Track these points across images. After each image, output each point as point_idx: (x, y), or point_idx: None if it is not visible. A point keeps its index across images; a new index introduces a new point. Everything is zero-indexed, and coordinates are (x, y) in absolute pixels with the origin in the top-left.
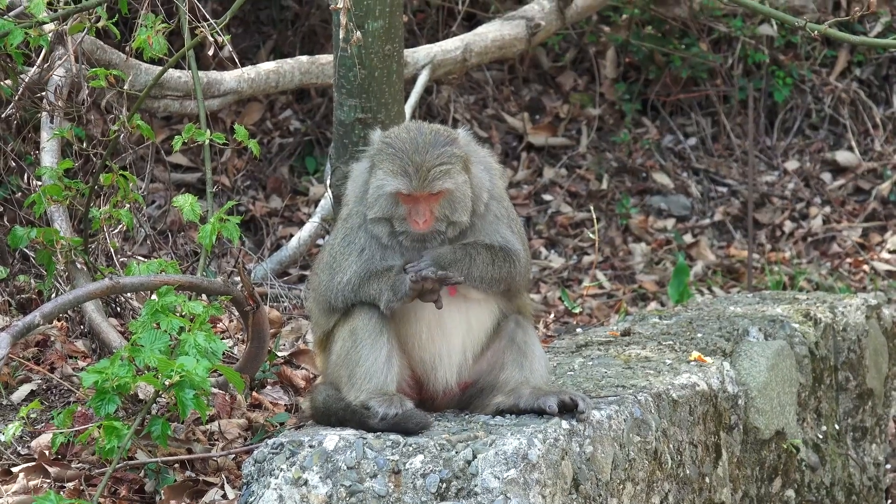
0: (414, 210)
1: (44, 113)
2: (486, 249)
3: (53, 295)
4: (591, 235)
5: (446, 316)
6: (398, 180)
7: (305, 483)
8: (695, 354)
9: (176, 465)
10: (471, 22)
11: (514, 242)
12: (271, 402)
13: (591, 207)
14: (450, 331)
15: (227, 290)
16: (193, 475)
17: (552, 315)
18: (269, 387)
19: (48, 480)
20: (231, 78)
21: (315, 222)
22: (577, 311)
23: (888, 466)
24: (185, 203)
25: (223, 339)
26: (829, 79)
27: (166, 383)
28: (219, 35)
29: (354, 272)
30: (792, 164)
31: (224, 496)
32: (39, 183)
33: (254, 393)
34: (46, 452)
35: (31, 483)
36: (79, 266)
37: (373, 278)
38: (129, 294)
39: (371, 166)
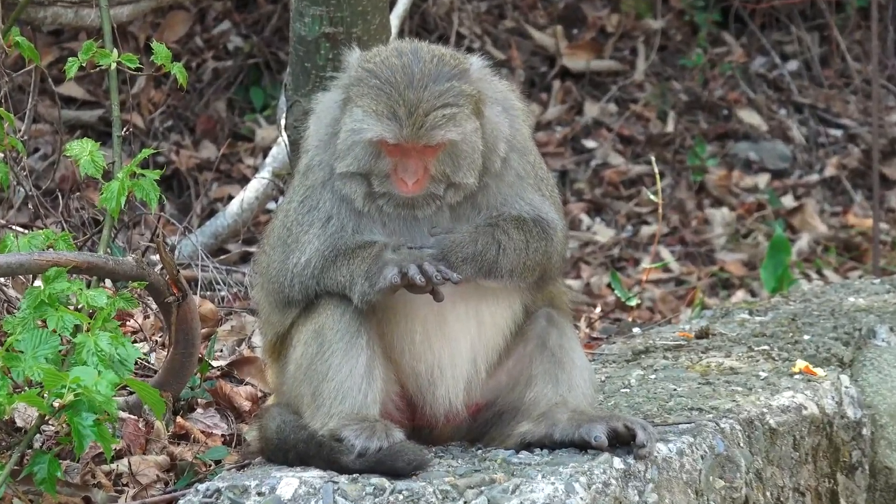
0: (402, 165)
1: None
2: (517, 229)
3: None
4: (651, 197)
5: (449, 311)
6: (383, 124)
7: None
8: (800, 364)
9: None
10: None
11: (546, 210)
12: (203, 432)
13: (653, 158)
14: (454, 331)
15: (140, 275)
16: None
17: (598, 309)
18: (200, 410)
19: None
20: None
21: (264, 179)
22: (633, 303)
23: None
24: (83, 152)
25: (135, 342)
26: None
27: (55, 405)
28: None
29: (316, 250)
30: None
31: None
32: None
33: (178, 418)
34: None
35: None
36: None
37: (342, 259)
38: (2, 279)
39: (345, 100)
